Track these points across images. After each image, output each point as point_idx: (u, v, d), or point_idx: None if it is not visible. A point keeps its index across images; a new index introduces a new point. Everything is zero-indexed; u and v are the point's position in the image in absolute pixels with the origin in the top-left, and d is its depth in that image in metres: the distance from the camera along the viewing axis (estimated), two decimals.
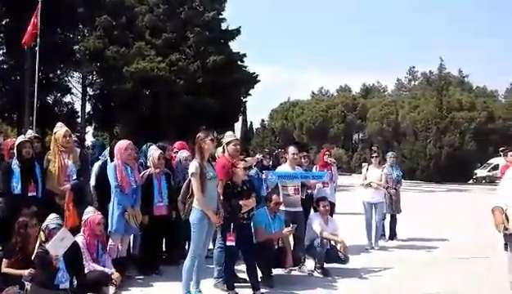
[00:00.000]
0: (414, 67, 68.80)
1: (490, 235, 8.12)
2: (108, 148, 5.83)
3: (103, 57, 22.03)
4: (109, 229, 5.03)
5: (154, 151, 5.64)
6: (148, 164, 5.71)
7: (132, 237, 5.61)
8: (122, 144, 5.24)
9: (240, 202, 4.96)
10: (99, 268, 4.56)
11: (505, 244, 7.22)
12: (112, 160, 5.28)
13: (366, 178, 7.88)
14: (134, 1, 24.04)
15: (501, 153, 8.71)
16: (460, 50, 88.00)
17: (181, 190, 4.73)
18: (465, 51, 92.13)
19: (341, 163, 46.14)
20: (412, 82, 69.63)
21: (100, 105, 24.81)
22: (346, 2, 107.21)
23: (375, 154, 8.24)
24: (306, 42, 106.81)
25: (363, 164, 8.32)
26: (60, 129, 5.21)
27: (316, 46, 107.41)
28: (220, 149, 6.06)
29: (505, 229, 3.22)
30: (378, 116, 57.46)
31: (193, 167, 4.50)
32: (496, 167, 31.24)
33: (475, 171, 36.93)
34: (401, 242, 8.28)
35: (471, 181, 35.19)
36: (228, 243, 4.90)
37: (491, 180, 33.18)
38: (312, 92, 75.28)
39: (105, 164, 5.46)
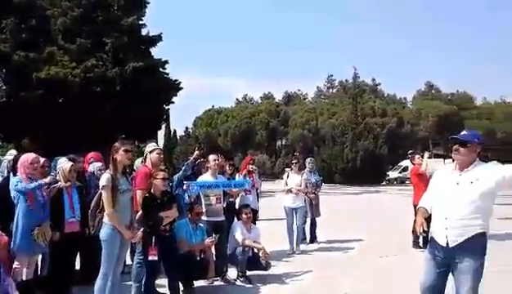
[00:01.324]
0: (332, 75, 72.42)
1: (400, 233, 8.79)
2: (4, 162, 5.33)
3: (9, 62, 20.27)
4: (13, 249, 4.59)
5: (63, 163, 5.27)
6: (57, 178, 5.32)
7: (40, 257, 5.18)
8: (26, 157, 4.82)
9: (161, 214, 4.82)
10: None
11: (414, 242, 7.87)
12: (15, 174, 4.84)
13: (286, 184, 8.08)
14: (46, 3, 22.47)
15: (409, 157, 9.43)
16: (373, 59, 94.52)
17: (92, 204, 4.49)
18: (378, 60, 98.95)
19: (265, 169, 47.08)
20: (330, 90, 73.15)
21: (5, 115, 22.70)
22: (268, 11, 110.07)
23: (294, 161, 8.54)
24: (231, 49, 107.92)
25: (286, 169, 8.54)
26: None
27: (240, 55, 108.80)
28: (139, 160, 5.85)
29: (424, 231, 3.42)
30: (299, 122, 59.45)
31: (104, 179, 4.28)
32: (405, 169, 33.83)
33: (387, 173, 39.66)
34: (321, 245, 8.58)
35: (384, 183, 37.67)
36: (150, 258, 4.73)
37: (402, 181, 35.92)
38: (237, 99, 76.07)
39: (6, 180, 4.99)
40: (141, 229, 4.51)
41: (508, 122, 61.42)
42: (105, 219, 4.25)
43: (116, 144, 4.40)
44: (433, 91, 74.35)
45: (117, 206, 4.22)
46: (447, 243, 3.31)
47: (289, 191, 7.99)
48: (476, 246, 3.28)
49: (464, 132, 3.51)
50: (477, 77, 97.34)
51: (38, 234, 4.69)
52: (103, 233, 4.26)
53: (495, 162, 3.40)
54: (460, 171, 3.38)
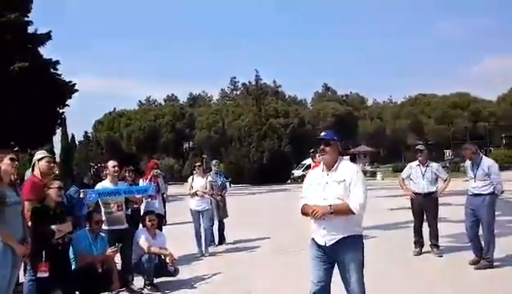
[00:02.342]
0: (235, 77, 73.43)
1: (303, 229, 9.20)
2: None
3: None
4: None
5: None
6: None
7: None
8: None
9: (53, 227, 4.47)
10: None
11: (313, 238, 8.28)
12: None
13: (192, 187, 8.01)
14: None
15: (311, 155, 9.93)
16: (274, 62, 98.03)
17: None
18: (279, 63, 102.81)
19: (173, 173, 46.18)
20: (234, 92, 74.12)
21: None
22: (166, 10, 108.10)
23: (197, 163, 8.55)
24: (130, 50, 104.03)
25: (194, 172, 8.47)
26: None
27: (140, 55, 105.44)
28: (30, 171, 5.36)
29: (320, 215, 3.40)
30: (205, 124, 59.38)
31: None
32: (308, 167, 35.48)
33: (292, 172, 41.31)
34: (230, 246, 8.64)
35: (289, 181, 39.21)
36: (40, 275, 4.35)
37: None
38: (140, 102, 73.58)
39: None
40: (29, 243, 4.13)
41: (396, 120, 67.89)
42: None
43: None
44: (329, 93, 79.35)
45: (5, 220, 3.83)
46: (325, 242, 3.48)
47: (195, 194, 7.92)
48: (352, 240, 3.47)
49: (324, 133, 3.72)
50: (368, 78, 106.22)
51: None
52: None
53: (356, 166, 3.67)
54: (327, 170, 3.57)
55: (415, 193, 7.04)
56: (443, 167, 8.16)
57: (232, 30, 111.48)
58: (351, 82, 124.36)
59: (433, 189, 6.99)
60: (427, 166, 7.03)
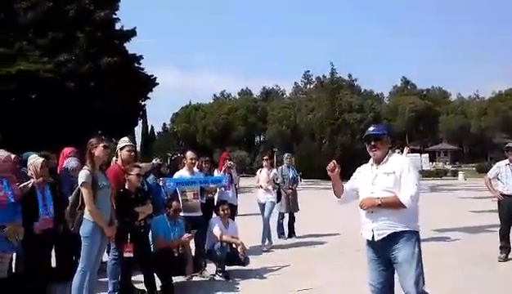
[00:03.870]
0: (309, 71, 72.71)
1: None
2: None
3: None
4: None
5: (34, 159, 5.12)
6: (29, 174, 5.16)
7: (14, 255, 5.02)
8: None
9: (136, 209, 4.80)
10: None
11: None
12: None
13: (259, 180, 8.21)
14: None
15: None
16: (350, 55, 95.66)
17: (70, 201, 4.39)
18: (355, 56, 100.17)
19: (244, 165, 47.07)
20: (308, 86, 73.48)
21: None
22: (243, 10, 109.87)
23: (265, 157, 8.79)
24: (205, 45, 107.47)
25: (264, 165, 8.61)
26: None
27: (216, 50, 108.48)
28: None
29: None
30: (278, 118, 59.64)
31: (83, 175, 4.19)
32: None
33: None
34: (299, 240, 8.62)
35: None
36: (126, 255, 4.70)
37: None
38: (214, 95, 75.81)
39: None
40: (115, 225, 4.45)
41: (482, 117, 63.03)
42: (87, 215, 4.17)
43: (93, 139, 4.33)
44: (408, 87, 75.56)
45: (97, 202, 4.16)
46: (373, 237, 3.30)
47: (260, 187, 8.13)
48: (404, 237, 3.23)
49: (372, 128, 3.56)
50: (451, 73, 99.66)
51: (10, 232, 4.54)
52: (85, 230, 4.18)
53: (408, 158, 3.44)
54: (377, 164, 3.42)
55: (504, 195, 6.48)
56: None
57: (307, 25, 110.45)
58: (433, 76, 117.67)
59: None
60: None
